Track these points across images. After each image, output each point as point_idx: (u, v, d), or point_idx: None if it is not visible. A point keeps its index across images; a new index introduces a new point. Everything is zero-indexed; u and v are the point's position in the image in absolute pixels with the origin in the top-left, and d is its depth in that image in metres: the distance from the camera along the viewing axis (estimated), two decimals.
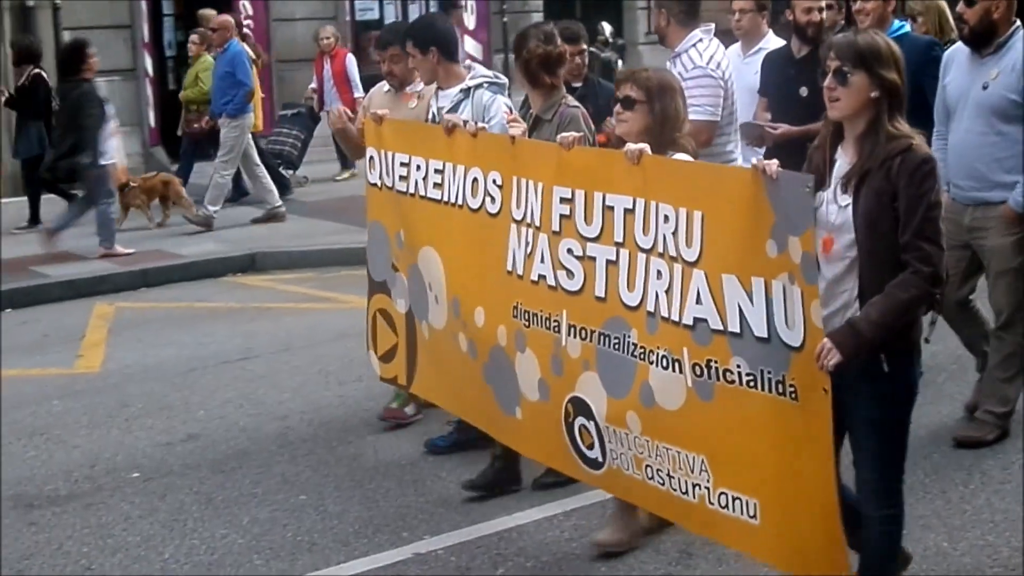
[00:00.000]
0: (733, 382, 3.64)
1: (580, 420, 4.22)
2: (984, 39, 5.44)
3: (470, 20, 15.88)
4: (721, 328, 3.67)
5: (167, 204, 11.70)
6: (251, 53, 12.08)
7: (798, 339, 3.48)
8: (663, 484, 3.91)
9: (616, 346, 4.00)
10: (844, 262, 3.63)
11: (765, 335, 3.55)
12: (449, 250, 4.97)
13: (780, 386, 3.55)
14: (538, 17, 16.77)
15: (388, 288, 5.56)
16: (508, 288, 4.52)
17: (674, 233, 3.80)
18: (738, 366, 3.63)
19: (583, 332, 4.14)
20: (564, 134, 4.45)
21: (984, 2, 5.37)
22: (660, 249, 3.86)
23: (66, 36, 13.66)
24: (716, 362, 3.69)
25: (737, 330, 3.63)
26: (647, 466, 3.95)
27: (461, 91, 5.69)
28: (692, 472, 3.81)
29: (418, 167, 5.10)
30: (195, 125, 12.59)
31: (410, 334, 5.43)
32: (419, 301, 5.28)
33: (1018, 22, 5.51)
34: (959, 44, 5.77)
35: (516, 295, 4.48)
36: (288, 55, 14.90)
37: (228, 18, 11.96)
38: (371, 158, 5.53)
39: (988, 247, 5.51)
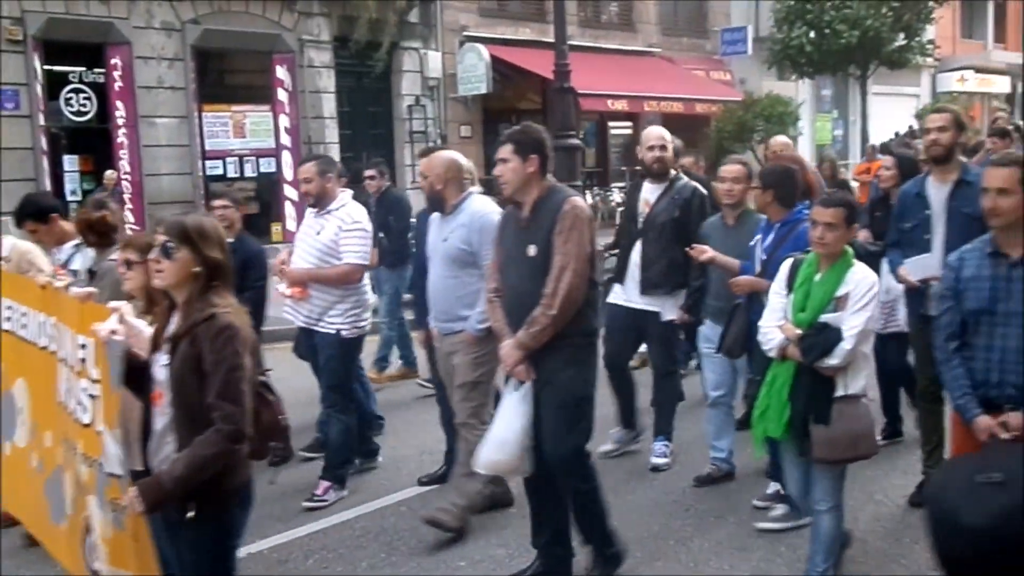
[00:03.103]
0: (131, 514, 3.02)
1: (88, 537, 3.49)
2: (441, 204, 5.10)
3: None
4: (110, 472, 3.11)
5: None
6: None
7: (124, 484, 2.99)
8: None
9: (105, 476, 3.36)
10: (166, 416, 3.03)
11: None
12: (33, 381, 4.22)
13: (122, 522, 3.04)
14: None
15: None
16: (60, 417, 3.75)
17: None
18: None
19: (89, 460, 3.40)
20: (76, 290, 3.74)
21: (430, 179, 5.09)
22: None
23: None
24: (118, 501, 3.06)
25: (120, 472, 3.06)
26: None
27: (74, 246, 5.38)
28: None
29: (14, 309, 4.38)
30: None
31: None
32: (8, 423, 4.40)
33: (470, 189, 5.15)
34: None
35: (63, 424, 3.73)
36: (156, 199, 14.74)
37: None
38: None
39: (455, 363, 5.08)
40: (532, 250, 4.20)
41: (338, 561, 4.88)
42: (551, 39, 14.02)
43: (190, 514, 2.98)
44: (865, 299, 3.94)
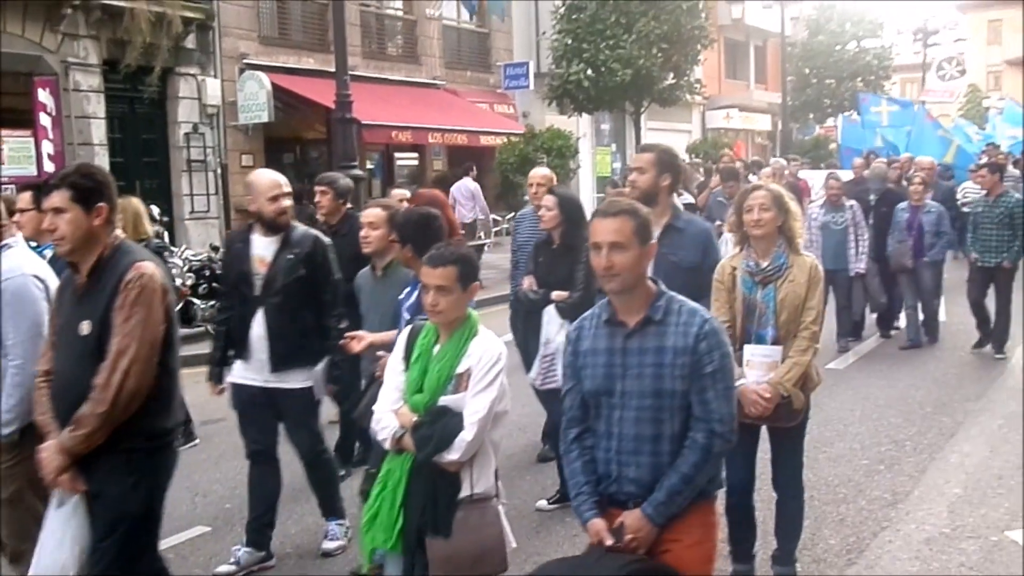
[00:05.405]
0: None
1: None
2: None
3: None
4: None
5: None
6: None
7: None
8: None
9: None
10: None
11: None
12: None
13: None
14: None
15: None
16: None
17: None
18: None
19: None
20: None
21: None
22: None
23: None
24: None
25: None
26: None
27: None
28: None
29: None
30: None
31: None
32: None
33: (8, 240, 4.09)
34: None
35: None
36: None
37: None
38: None
39: None
40: (86, 327, 3.39)
41: None
42: (334, 69, 14.11)
43: None
44: (489, 376, 3.29)
